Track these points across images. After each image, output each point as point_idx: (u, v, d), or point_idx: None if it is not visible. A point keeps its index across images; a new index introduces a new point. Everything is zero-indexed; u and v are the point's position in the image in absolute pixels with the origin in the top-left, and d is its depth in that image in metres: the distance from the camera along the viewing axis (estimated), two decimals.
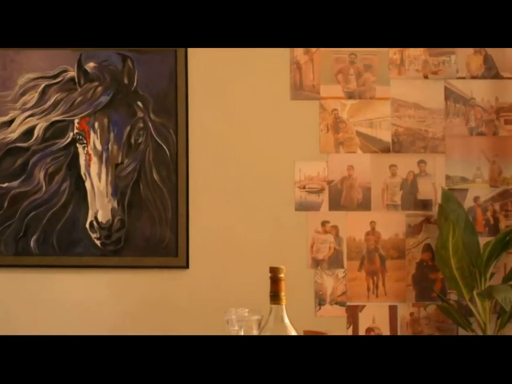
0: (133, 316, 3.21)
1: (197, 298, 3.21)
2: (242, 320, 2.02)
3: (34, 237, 3.25)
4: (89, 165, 3.26)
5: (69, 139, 3.27)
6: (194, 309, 3.20)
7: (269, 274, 1.69)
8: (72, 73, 3.26)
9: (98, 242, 3.27)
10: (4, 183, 3.25)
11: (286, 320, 1.67)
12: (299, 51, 3.23)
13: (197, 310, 3.19)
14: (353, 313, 3.26)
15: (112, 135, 3.26)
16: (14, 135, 3.25)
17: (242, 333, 2.01)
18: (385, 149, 3.27)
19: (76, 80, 3.28)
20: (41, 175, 3.25)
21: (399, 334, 3.16)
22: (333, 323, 3.20)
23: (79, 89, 3.27)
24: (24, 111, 3.25)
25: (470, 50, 3.24)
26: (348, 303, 3.25)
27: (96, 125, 3.27)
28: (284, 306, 1.68)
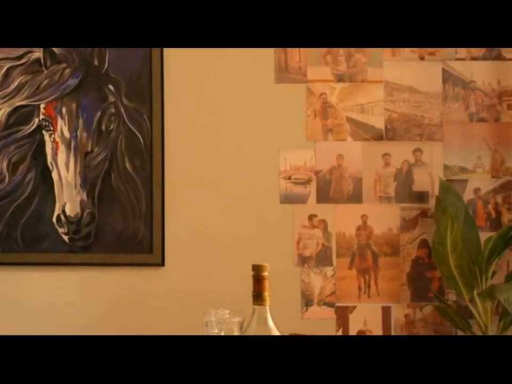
0: (104, 318, 3.14)
1: (173, 299, 3.14)
2: (222, 322, 1.99)
3: None
4: (56, 154, 3.17)
5: (34, 126, 3.19)
6: (171, 310, 3.13)
7: (252, 273, 1.68)
8: (38, 54, 3.18)
9: (66, 238, 3.18)
10: None
11: (270, 322, 1.67)
12: None
13: (173, 311, 3.12)
14: (343, 315, 3.18)
15: (81, 121, 3.18)
16: None
17: None
18: (378, 137, 3.20)
19: (42, 61, 3.19)
20: (4, 164, 3.18)
21: None
22: (321, 325, 3.14)
23: (45, 72, 3.19)
24: None
25: None
26: (337, 304, 3.18)
27: (64, 110, 3.18)
28: (267, 307, 1.68)
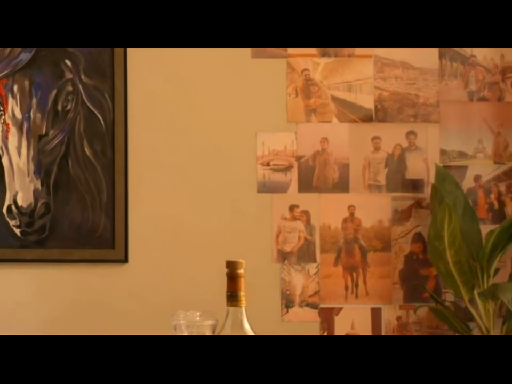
0: (60, 320, 3.10)
1: (138, 299, 3.11)
2: (193, 326, 1.94)
3: None
4: (6, 137, 3.11)
5: None
6: (135, 311, 3.09)
7: (226, 270, 1.67)
8: None
9: (17, 231, 3.13)
10: None
11: (246, 326, 1.66)
12: None
13: (138, 313, 3.09)
14: (327, 317, 3.16)
15: (34, 100, 3.11)
16: None
17: None
18: (367, 118, 3.18)
19: None
20: None
21: None
22: (303, 329, 3.11)
23: None
24: None
25: None
26: (322, 305, 3.16)
27: (15, 88, 3.12)
28: (243, 309, 1.66)
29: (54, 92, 3.11)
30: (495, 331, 2.94)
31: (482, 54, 3.17)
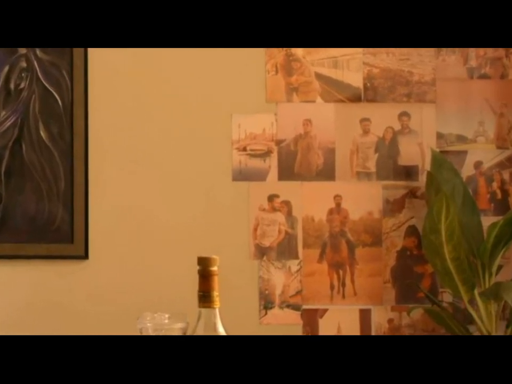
0: (13, 323, 3.02)
1: (99, 300, 3.06)
2: (161, 329, 1.89)
3: None
4: None
5: None
6: (96, 314, 3.03)
7: (197, 267, 1.63)
8: None
9: None
10: None
11: (220, 329, 1.63)
12: None
13: (99, 315, 3.02)
14: (311, 320, 3.13)
15: None
16: None
17: None
18: (355, 97, 3.17)
19: None
20: None
21: None
22: (283, 333, 3.03)
23: None
24: None
25: None
26: (304, 306, 3.13)
27: None
28: (217, 311, 1.63)
29: (6, 69, 3.09)
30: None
31: None
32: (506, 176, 3.17)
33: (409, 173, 3.15)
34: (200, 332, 1.63)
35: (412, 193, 3.15)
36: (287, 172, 3.14)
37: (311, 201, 3.14)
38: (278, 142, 3.15)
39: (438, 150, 3.10)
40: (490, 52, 3.19)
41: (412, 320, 3.11)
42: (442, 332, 3.05)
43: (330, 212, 3.14)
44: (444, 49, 3.17)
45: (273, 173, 3.14)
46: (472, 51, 3.19)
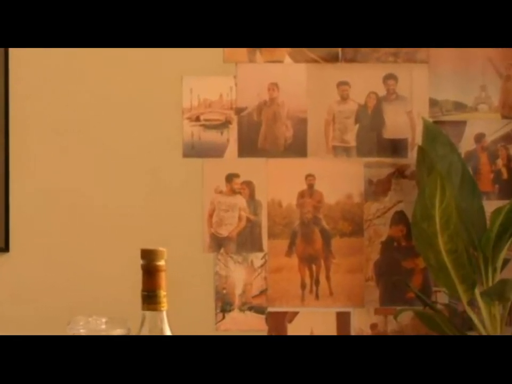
0: None
1: (22, 300, 2.87)
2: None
3: None
4: None
5: None
6: (19, 316, 2.83)
7: (141, 262, 1.51)
8: None
9: None
10: None
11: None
12: None
13: (22, 318, 2.83)
14: (278, 325, 2.95)
15: None
16: None
17: None
18: (331, 57, 2.97)
19: None
20: None
21: None
22: None
23: None
24: None
25: None
26: (270, 309, 2.96)
27: None
28: (164, 314, 1.51)
29: None
30: None
31: None
32: None
33: (396, 147, 2.98)
34: None
35: (400, 173, 2.98)
36: (248, 147, 2.96)
37: (278, 182, 2.97)
38: (238, 111, 2.97)
39: (431, 120, 2.92)
40: None
41: (400, 326, 2.96)
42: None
43: (301, 195, 2.96)
44: None
45: (232, 148, 2.95)
46: None
